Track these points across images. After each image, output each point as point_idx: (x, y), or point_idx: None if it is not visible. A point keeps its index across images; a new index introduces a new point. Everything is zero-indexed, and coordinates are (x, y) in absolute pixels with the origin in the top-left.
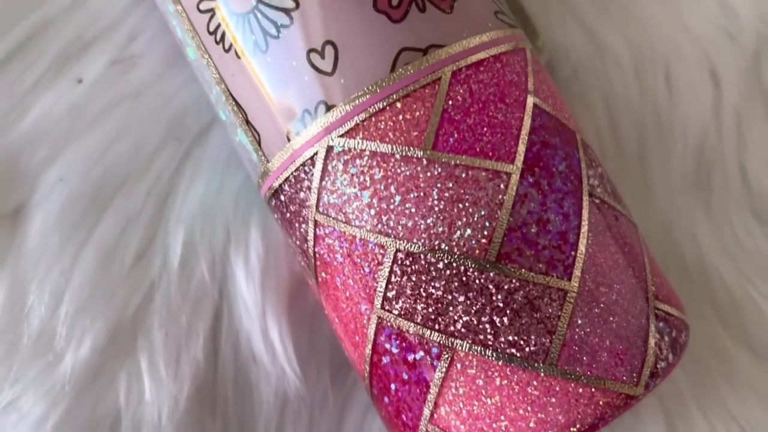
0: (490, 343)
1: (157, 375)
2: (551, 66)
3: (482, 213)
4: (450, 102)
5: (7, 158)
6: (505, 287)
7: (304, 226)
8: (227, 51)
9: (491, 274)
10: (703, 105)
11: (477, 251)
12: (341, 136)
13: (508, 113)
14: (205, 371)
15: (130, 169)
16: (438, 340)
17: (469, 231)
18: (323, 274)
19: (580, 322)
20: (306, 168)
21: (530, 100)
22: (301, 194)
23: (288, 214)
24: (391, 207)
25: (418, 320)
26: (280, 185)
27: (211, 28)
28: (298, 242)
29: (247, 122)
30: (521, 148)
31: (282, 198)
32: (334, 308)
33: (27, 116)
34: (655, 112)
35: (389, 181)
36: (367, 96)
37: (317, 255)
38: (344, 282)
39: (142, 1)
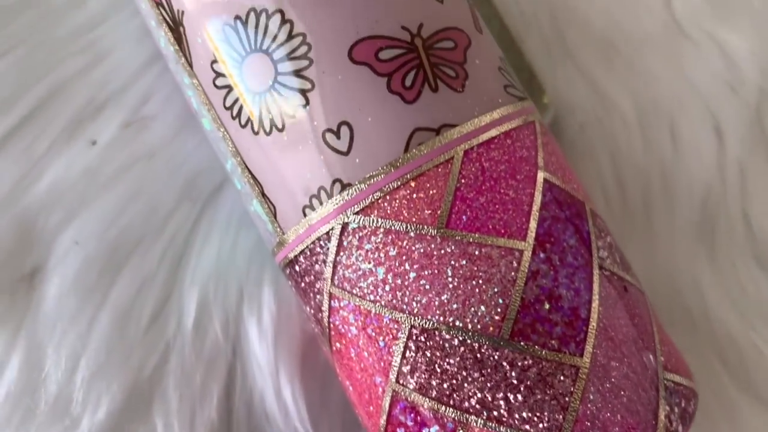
0: (504, 419)
1: None
2: (557, 121)
3: (495, 290)
4: (462, 180)
5: (23, 222)
6: (519, 364)
7: (319, 297)
8: (243, 126)
9: (505, 351)
10: (707, 158)
11: (491, 328)
12: (356, 213)
13: (519, 190)
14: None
15: (144, 230)
16: (452, 415)
17: (482, 308)
18: (338, 344)
19: (592, 397)
20: (321, 242)
21: (540, 176)
22: (317, 267)
23: (303, 284)
24: (406, 283)
25: (433, 395)
26: (296, 256)
27: (228, 104)
28: (312, 311)
29: (263, 194)
30: (532, 225)
31: (297, 268)
32: (348, 377)
33: (42, 180)
34: (660, 165)
35: (404, 258)
36: (382, 176)
37: (332, 325)
38: (359, 354)
39: (154, 63)
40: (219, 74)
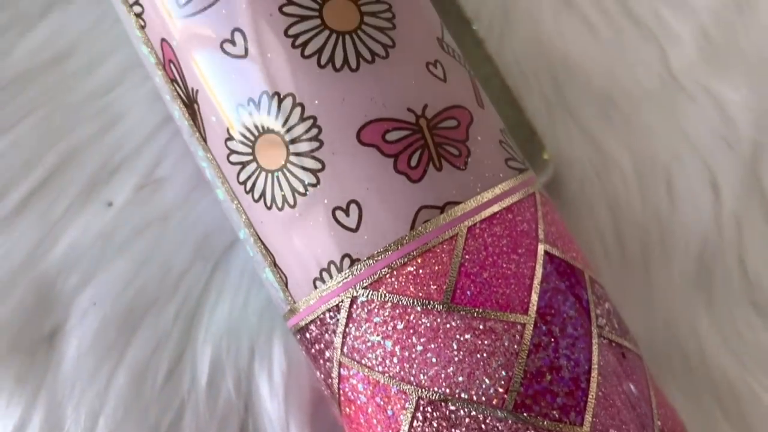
0: None
1: None
2: (558, 177)
3: (499, 363)
4: (466, 256)
5: (42, 284)
6: None
7: (329, 364)
8: (257, 201)
9: (509, 422)
10: (704, 211)
11: (495, 400)
12: (365, 287)
13: (520, 264)
14: None
15: (159, 290)
16: None
17: (487, 381)
18: (347, 409)
19: None
20: (332, 313)
21: (540, 248)
22: (327, 336)
23: (313, 350)
24: (413, 356)
25: None
26: (306, 324)
27: (241, 179)
28: (322, 376)
29: (275, 265)
30: (534, 298)
31: (308, 335)
32: None
33: (59, 243)
34: (657, 217)
35: (411, 331)
36: (390, 252)
37: (341, 392)
38: (368, 420)
39: (165, 126)
40: (233, 151)
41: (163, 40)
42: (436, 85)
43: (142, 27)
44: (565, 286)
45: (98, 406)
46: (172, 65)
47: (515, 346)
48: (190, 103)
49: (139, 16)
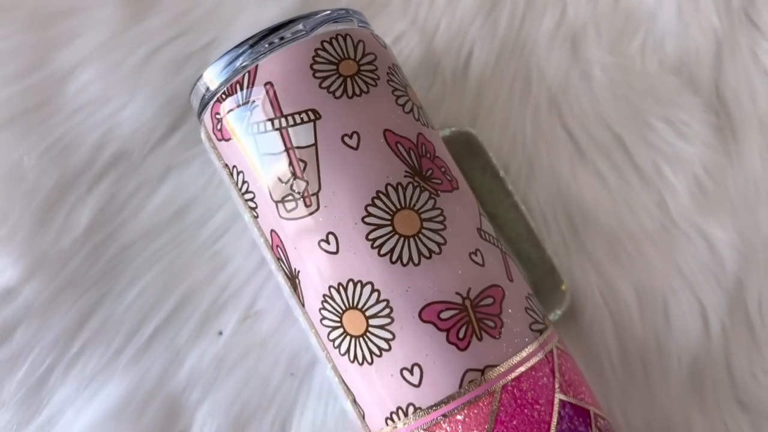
0: None
1: None
2: (574, 304)
3: None
4: (501, 408)
5: (172, 399)
6: None
7: None
8: (342, 355)
9: None
10: (694, 333)
11: None
12: (425, 430)
13: (542, 411)
14: None
15: (259, 402)
16: None
17: None
18: None
19: None
20: None
21: (557, 398)
22: None
23: None
24: None
25: None
26: None
27: (331, 337)
28: None
29: (354, 401)
30: None
31: None
32: None
33: (183, 367)
34: (655, 337)
35: None
36: (443, 405)
37: None
38: None
39: (261, 269)
40: (325, 318)
41: (272, 230)
42: (476, 270)
43: (255, 218)
44: (576, 425)
45: None
46: (279, 249)
47: None
48: (292, 278)
49: (253, 209)
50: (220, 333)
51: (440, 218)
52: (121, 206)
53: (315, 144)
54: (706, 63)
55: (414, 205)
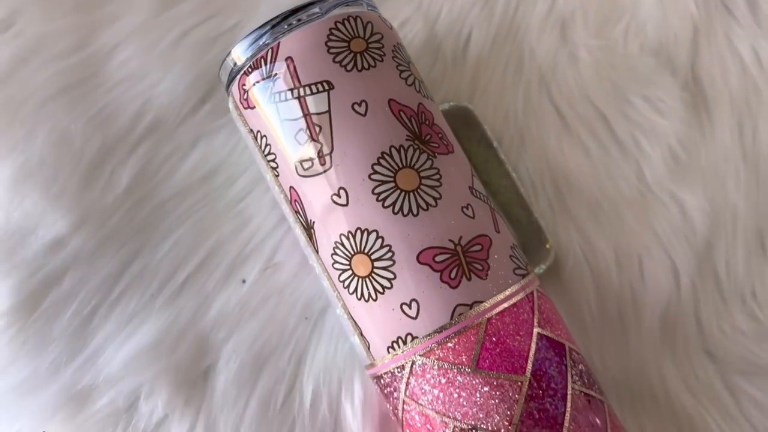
0: None
1: None
2: (557, 261)
3: (506, 406)
4: (486, 337)
5: (201, 337)
6: None
7: (395, 401)
8: (351, 294)
9: None
10: (666, 287)
11: (502, 430)
12: (421, 355)
13: (521, 342)
14: None
15: (278, 341)
16: None
17: (497, 417)
18: (407, 431)
19: None
20: (397, 370)
21: (535, 331)
22: (395, 383)
23: (386, 392)
24: (451, 400)
25: None
26: (382, 374)
27: (341, 279)
28: (391, 408)
29: (361, 334)
30: (529, 365)
31: (382, 382)
32: None
33: (211, 310)
34: (631, 291)
35: (450, 384)
36: (436, 334)
37: (404, 420)
38: None
39: (280, 225)
40: (336, 262)
41: (291, 187)
42: (467, 221)
43: (276, 177)
44: (551, 356)
45: (238, 422)
46: (296, 203)
47: (516, 396)
48: (308, 228)
49: (274, 169)
50: (244, 281)
51: (437, 176)
52: (156, 169)
53: (329, 111)
54: (683, 46)
55: (414, 164)
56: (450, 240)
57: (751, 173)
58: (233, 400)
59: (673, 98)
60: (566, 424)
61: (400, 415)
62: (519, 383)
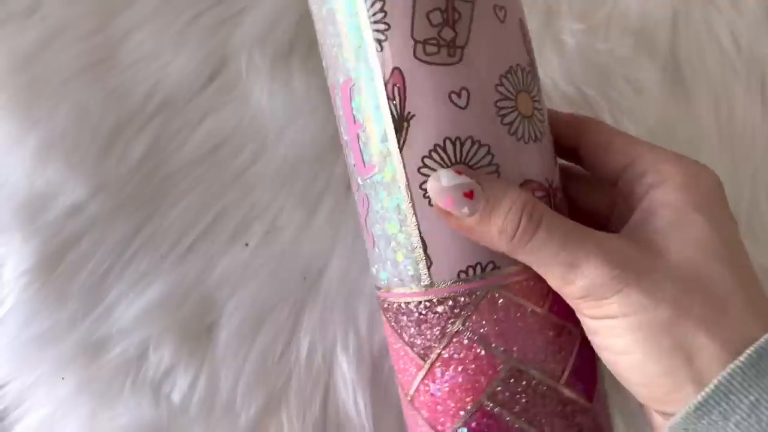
0: None
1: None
2: None
3: (562, 355)
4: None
5: (204, 295)
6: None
7: (441, 332)
8: (431, 205)
9: (557, 389)
10: None
11: (555, 374)
12: (500, 287)
13: None
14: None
15: (277, 299)
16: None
17: (553, 364)
18: (443, 369)
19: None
20: (465, 298)
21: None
22: (455, 310)
23: (429, 317)
24: (516, 339)
25: (515, 410)
26: (435, 300)
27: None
28: (426, 340)
29: (425, 251)
30: None
31: (439, 309)
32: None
33: (215, 269)
34: None
35: (518, 321)
36: (519, 269)
37: (440, 356)
38: (465, 377)
39: (281, 194)
40: (426, 165)
41: (396, 68)
42: (554, 168)
43: (379, 51)
44: None
45: (239, 373)
46: (396, 87)
47: (572, 348)
48: (400, 119)
49: (380, 41)
50: (246, 244)
51: (543, 111)
52: (167, 142)
53: (473, 1)
54: (663, 30)
55: (530, 91)
56: (546, 179)
57: (726, 151)
58: (234, 353)
59: (653, 80)
60: (597, 384)
61: (439, 350)
62: (578, 334)
